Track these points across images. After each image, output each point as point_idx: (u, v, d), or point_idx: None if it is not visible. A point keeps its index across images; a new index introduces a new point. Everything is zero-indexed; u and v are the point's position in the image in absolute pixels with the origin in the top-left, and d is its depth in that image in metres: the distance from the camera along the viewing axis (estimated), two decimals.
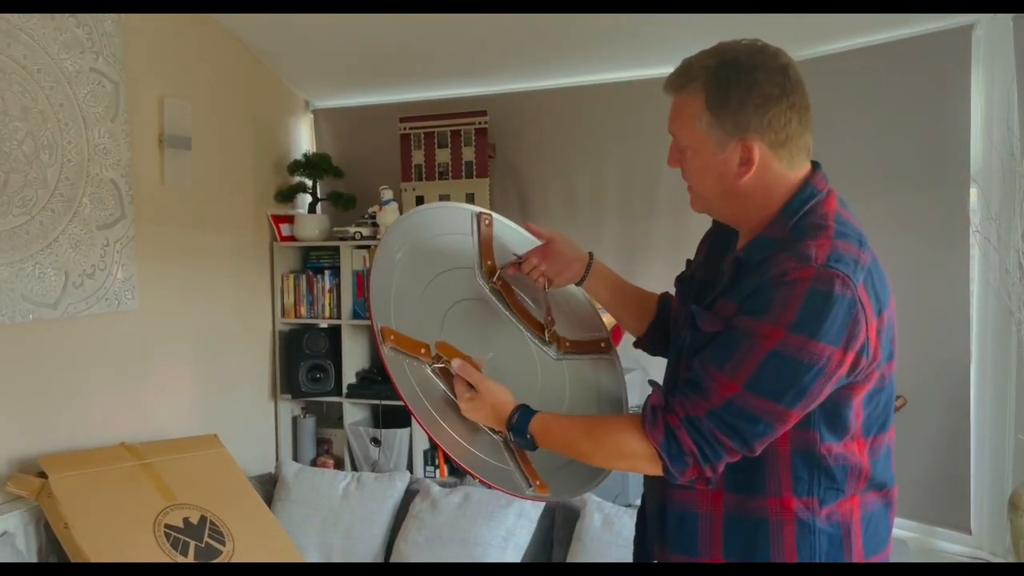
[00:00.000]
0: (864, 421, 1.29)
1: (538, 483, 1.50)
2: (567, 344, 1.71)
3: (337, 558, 3.04)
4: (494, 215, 1.76)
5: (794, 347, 1.19)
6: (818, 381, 1.21)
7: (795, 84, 1.28)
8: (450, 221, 1.71)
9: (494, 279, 1.69)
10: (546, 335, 1.68)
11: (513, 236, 1.77)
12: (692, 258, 1.59)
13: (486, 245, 1.71)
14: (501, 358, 1.61)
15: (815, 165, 1.35)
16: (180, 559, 2.53)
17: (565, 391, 1.66)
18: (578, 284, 1.69)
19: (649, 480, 1.45)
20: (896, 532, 1.42)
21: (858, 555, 1.32)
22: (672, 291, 1.67)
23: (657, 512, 1.42)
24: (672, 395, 1.30)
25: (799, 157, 1.31)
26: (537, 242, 1.72)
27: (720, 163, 1.30)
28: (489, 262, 1.70)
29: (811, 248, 1.23)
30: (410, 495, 3.14)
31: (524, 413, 1.43)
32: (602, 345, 1.76)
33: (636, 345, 1.72)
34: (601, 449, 1.36)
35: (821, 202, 1.31)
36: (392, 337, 1.51)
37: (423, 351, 1.53)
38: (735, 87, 1.26)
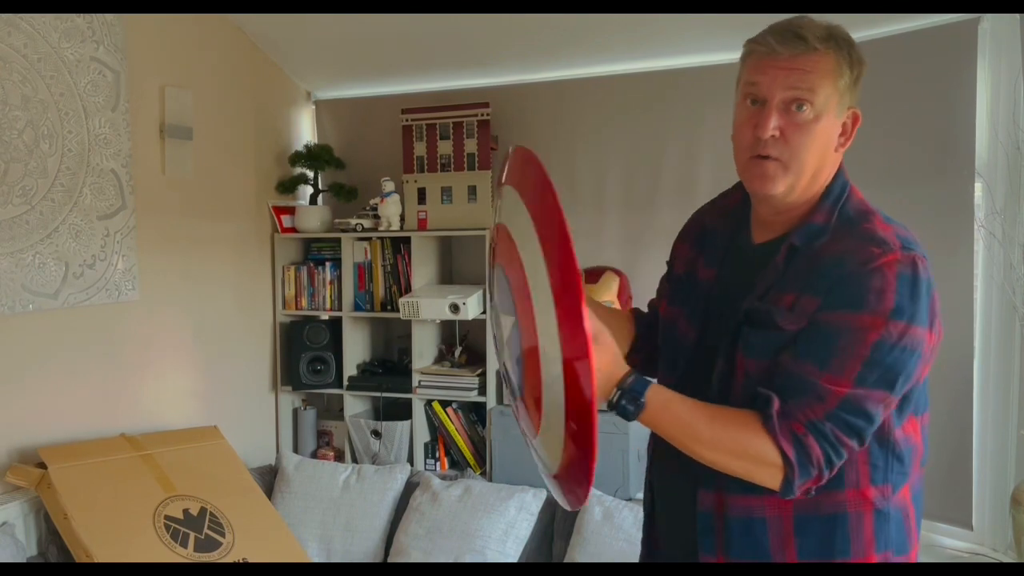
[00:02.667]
0: (917, 401, 1.30)
1: None
2: None
3: (337, 550, 3.04)
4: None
5: (896, 334, 1.19)
6: (919, 364, 1.23)
7: None
8: None
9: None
10: None
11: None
12: (671, 258, 1.56)
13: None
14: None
15: None
16: (180, 550, 2.53)
17: None
18: None
19: (687, 489, 1.37)
20: None
21: (915, 534, 1.33)
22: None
23: (709, 521, 1.34)
24: (785, 402, 1.23)
25: None
26: None
27: (832, 129, 1.29)
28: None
29: (878, 231, 1.24)
30: (410, 487, 3.14)
31: (639, 378, 1.26)
32: None
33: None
34: (721, 442, 1.24)
35: (852, 189, 1.34)
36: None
37: None
38: (858, 56, 1.29)
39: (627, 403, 1.24)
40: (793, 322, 1.24)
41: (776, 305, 1.26)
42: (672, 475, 1.43)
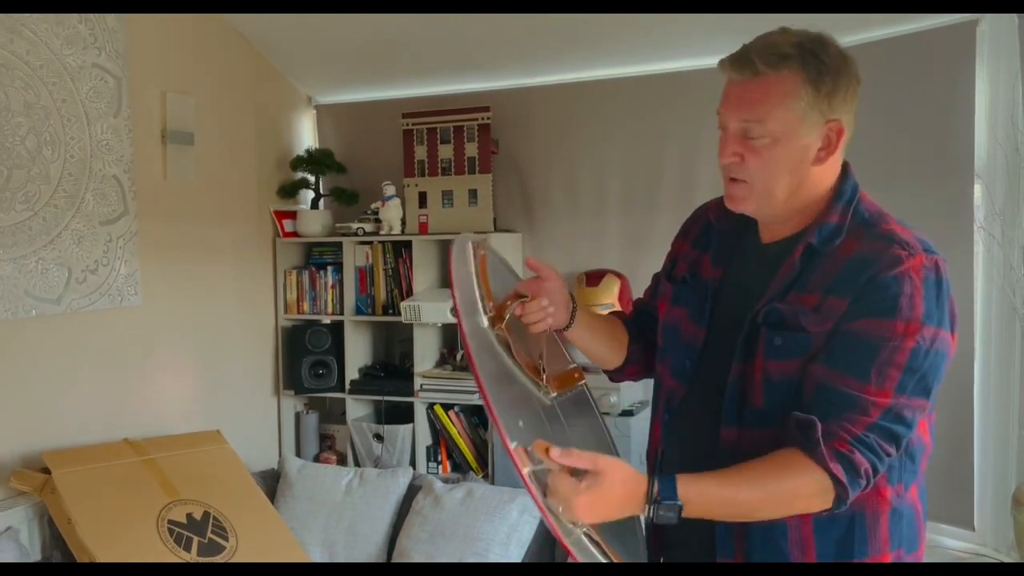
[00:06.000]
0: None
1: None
2: (555, 382, 1.46)
3: (340, 554, 3.04)
4: (488, 243, 1.49)
5: (930, 339, 1.20)
6: (947, 366, 1.24)
7: None
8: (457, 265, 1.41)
9: (502, 323, 1.40)
10: (543, 379, 1.43)
11: (500, 267, 1.53)
12: (672, 257, 1.55)
13: (485, 283, 1.44)
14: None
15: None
16: (183, 555, 2.53)
17: (568, 437, 1.41)
18: (563, 330, 1.52)
19: None
20: None
21: (923, 531, 1.34)
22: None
23: (729, 528, 1.33)
24: (824, 421, 1.21)
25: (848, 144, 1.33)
26: (523, 275, 1.52)
27: (803, 148, 1.27)
28: (492, 302, 1.42)
29: (897, 232, 1.25)
30: (413, 491, 3.14)
31: (666, 480, 1.18)
32: (575, 376, 1.54)
33: (616, 377, 1.62)
34: (775, 500, 1.21)
35: (861, 191, 1.33)
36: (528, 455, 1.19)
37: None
38: (833, 66, 1.25)
39: (665, 512, 1.17)
40: (818, 323, 1.24)
41: (800, 306, 1.26)
42: None
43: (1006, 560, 2.57)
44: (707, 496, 1.19)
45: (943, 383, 1.26)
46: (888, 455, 1.21)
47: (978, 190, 2.63)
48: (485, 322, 1.38)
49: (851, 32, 2.84)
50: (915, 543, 1.33)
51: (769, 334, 1.28)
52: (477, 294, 1.40)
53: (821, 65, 1.24)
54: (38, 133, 2.65)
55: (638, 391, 3.28)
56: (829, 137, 1.27)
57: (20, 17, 2.58)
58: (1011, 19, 2.54)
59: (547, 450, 1.14)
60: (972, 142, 2.64)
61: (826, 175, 1.31)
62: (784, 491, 1.20)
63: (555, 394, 1.44)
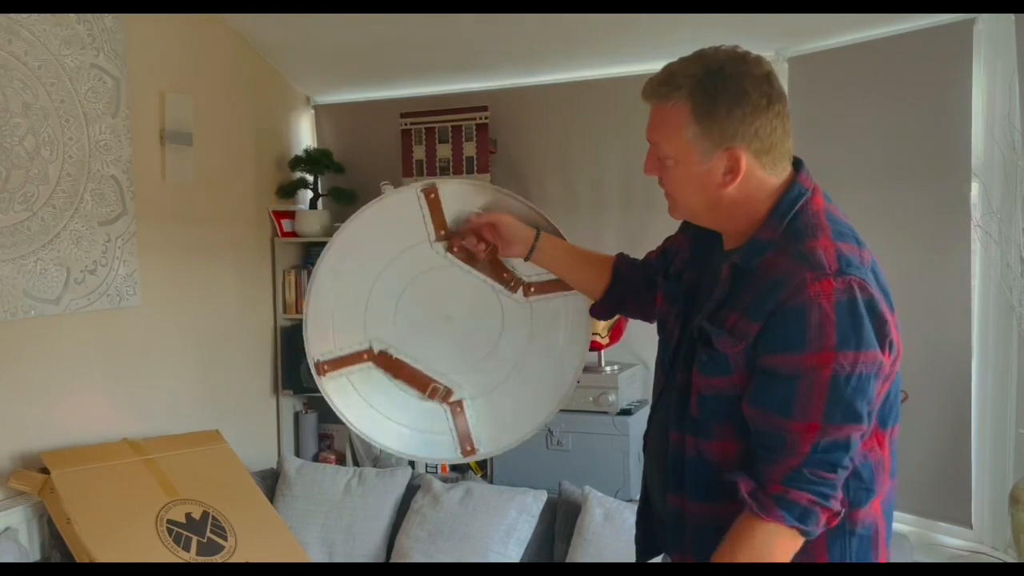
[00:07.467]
0: (880, 414, 1.28)
1: (468, 447, 1.79)
2: (532, 289, 1.80)
3: (339, 554, 3.05)
4: (444, 185, 1.81)
5: (849, 364, 1.18)
6: (878, 385, 1.22)
7: (779, 92, 1.28)
8: (397, 208, 1.82)
9: (453, 247, 1.78)
10: (508, 284, 1.78)
11: (474, 203, 1.81)
12: (670, 243, 1.59)
13: (437, 216, 1.79)
14: (462, 314, 1.81)
15: (797, 164, 1.34)
16: (182, 554, 2.53)
17: (528, 330, 1.81)
18: (526, 259, 1.73)
19: (660, 489, 1.42)
20: (896, 526, 1.42)
21: (883, 549, 1.33)
22: (633, 259, 1.71)
23: (676, 522, 1.38)
24: (756, 469, 1.24)
25: (782, 162, 1.31)
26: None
27: (704, 172, 1.29)
28: (443, 231, 1.79)
29: (818, 251, 1.21)
30: (412, 490, 3.14)
31: None
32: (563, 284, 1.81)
33: (591, 311, 1.76)
34: (757, 564, 1.24)
35: (809, 200, 1.30)
36: (326, 367, 1.76)
37: (365, 356, 1.78)
38: (723, 97, 1.25)
39: None
40: (732, 345, 1.25)
41: (722, 326, 1.27)
42: (653, 476, 1.46)
43: (1004, 558, 2.58)
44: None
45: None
46: (830, 480, 1.22)
47: (975, 189, 2.63)
48: (442, 249, 1.79)
49: (849, 31, 2.85)
50: (868, 556, 1.31)
51: (699, 350, 1.31)
52: (426, 225, 1.79)
53: (710, 101, 1.26)
54: (36, 133, 2.65)
55: (637, 390, 3.29)
56: (730, 164, 1.28)
57: (18, 17, 2.58)
58: (1008, 19, 2.54)
59: None
60: (969, 141, 2.65)
61: (749, 193, 1.30)
62: (758, 555, 1.23)
63: (527, 296, 1.79)
